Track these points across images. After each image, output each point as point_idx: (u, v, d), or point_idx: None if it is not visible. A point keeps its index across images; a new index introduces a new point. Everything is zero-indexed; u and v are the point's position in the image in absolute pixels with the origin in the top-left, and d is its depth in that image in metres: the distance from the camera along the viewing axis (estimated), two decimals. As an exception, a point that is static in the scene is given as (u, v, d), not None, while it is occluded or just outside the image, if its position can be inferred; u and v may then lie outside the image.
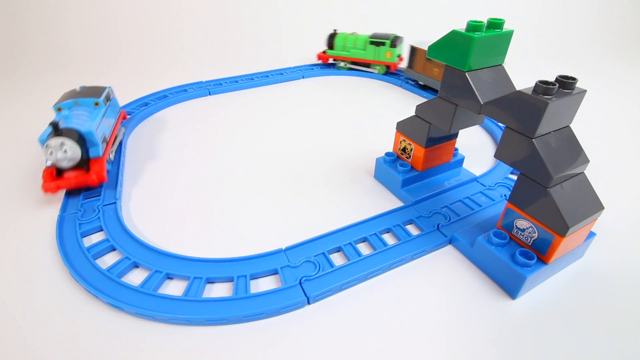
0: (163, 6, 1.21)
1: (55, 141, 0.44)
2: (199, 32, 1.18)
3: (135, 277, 0.39)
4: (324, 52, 0.97)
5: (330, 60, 0.99)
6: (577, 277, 0.39)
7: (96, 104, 0.55)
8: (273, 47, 1.15)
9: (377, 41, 0.88)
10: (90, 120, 0.51)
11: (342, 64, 0.95)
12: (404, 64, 0.92)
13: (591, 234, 0.39)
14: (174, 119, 0.73)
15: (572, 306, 0.36)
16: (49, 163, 0.47)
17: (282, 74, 0.94)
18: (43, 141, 0.45)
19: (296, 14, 1.27)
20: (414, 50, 0.83)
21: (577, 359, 0.31)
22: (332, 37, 0.94)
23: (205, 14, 1.23)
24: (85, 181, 0.48)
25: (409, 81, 0.88)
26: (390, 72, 0.93)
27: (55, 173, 0.47)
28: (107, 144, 0.54)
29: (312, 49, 1.12)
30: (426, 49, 0.73)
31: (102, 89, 0.59)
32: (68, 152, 0.45)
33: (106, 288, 0.36)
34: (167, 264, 0.39)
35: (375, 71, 0.93)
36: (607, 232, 0.44)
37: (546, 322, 0.34)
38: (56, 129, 0.46)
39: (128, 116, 0.70)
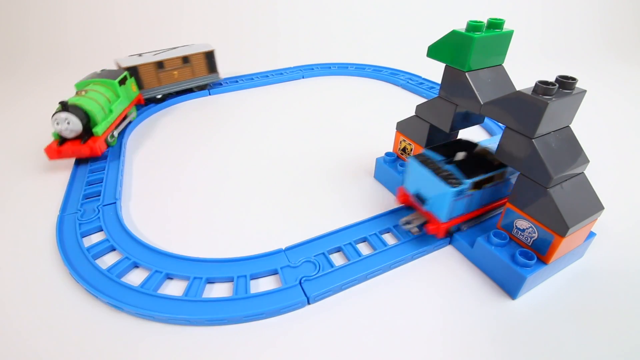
0: (163, 6, 1.21)
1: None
2: (198, 32, 1.18)
3: (135, 277, 0.39)
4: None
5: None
6: (577, 277, 0.39)
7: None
8: (273, 47, 1.15)
9: (122, 78, 0.66)
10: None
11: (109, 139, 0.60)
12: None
13: (591, 234, 0.39)
14: (174, 119, 0.73)
15: (572, 306, 0.36)
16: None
17: (282, 74, 0.94)
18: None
19: (296, 14, 1.27)
20: (134, 70, 0.71)
21: (577, 359, 0.31)
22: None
23: (205, 14, 1.23)
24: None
25: (148, 102, 0.77)
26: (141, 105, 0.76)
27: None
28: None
29: (312, 49, 1.12)
30: (147, 61, 0.72)
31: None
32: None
33: (106, 288, 0.36)
34: (167, 264, 0.39)
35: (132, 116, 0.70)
36: (607, 232, 0.44)
37: (546, 322, 0.34)
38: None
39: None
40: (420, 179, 0.40)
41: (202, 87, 0.83)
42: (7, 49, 1.07)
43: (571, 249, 0.37)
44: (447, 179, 0.37)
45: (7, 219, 0.47)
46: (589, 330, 0.34)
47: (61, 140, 0.55)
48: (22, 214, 0.48)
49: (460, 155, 0.40)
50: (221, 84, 0.87)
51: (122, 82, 0.65)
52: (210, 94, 0.84)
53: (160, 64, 0.75)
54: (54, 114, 0.53)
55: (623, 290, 0.37)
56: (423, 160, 0.40)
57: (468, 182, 0.37)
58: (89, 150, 0.55)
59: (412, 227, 0.42)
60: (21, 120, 0.73)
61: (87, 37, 1.12)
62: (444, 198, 0.37)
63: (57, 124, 0.53)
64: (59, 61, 1.04)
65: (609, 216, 0.46)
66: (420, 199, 0.40)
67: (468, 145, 0.42)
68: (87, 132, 0.56)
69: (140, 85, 0.73)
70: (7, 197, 0.51)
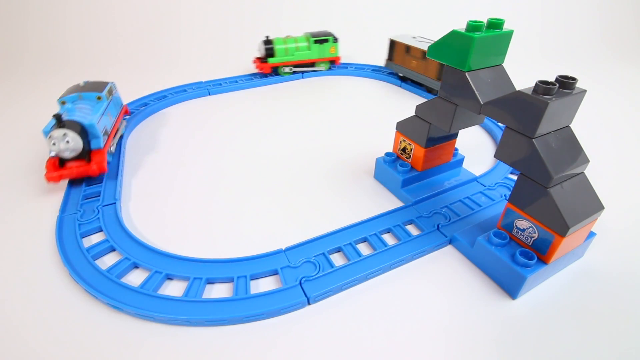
0: (163, 6, 1.21)
1: (58, 132, 0.47)
2: (198, 32, 1.18)
3: (135, 278, 0.39)
4: (263, 60, 0.91)
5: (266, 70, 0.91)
6: (577, 277, 0.39)
7: (98, 97, 0.57)
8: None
9: (321, 39, 0.90)
10: (92, 113, 0.53)
11: (286, 70, 0.92)
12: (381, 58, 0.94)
13: (591, 234, 0.39)
14: (173, 119, 0.73)
15: (572, 306, 0.36)
16: (52, 153, 0.48)
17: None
18: (47, 132, 0.48)
19: (296, 14, 1.27)
20: (393, 44, 0.86)
21: (577, 359, 0.31)
22: (269, 44, 0.88)
23: (205, 14, 1.23)
24: (86, 171, 0.50)
25: (391, 74, 0.92)
26: (333, 67, 0.97)
27: (58, 163, 0.49)
28: (109, 136, 0.56)
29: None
30: (404, 42, 0.83)
31: (105, 84, 0.61)
32: (70, 142, 0.47)
33: (106, 289, 0.36)
34: (167, 264, 0.39)
35: (322, 68, 0.94)
36: (607, 232, 0.44)
37: (546, 322, 0.34)
38: (59, 121, 0.48)
39: (130, 112, 0.73)
40: None
41: (430, 90, 0.82)
42: (7, 49, 1.07)
43: (571, 249, 0.37)
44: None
45: (7, 219, 0.47)
46: (589, 330, 0.34)
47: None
48: (22, 215, 0.47)
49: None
50: (221, 84, 0.87)
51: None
52: (210, 94, 0.84)
53: (407, 48, 0.82)
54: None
55: (623, 290, 0.37)
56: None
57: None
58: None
59: None
60: (21, 119, 0.73)
61: (87, 37, 1.12)
62: None
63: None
64: (59, 61, 1.04)
65: (609, 216, 0.46)
66: None
67: None
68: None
69: (391, 58, 0.88)
70: (6, 197, 0.51)
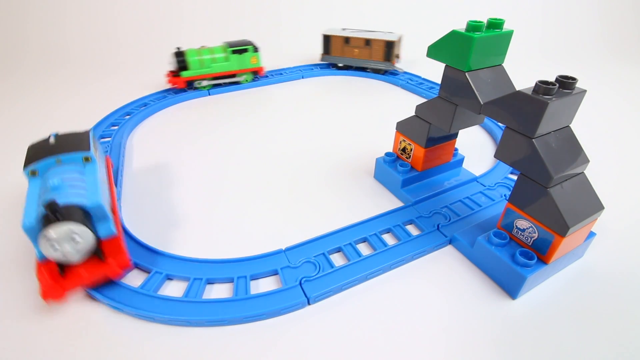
0: (163, 6, 1.21)
1: (60, 230, 0.31)
2: (198, 32, 1.18)
3: (135, 279, 0.39)
4: (175, 74, 0.80)
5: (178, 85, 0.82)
6: (577, 277, 0.39)
7: (86, 159, 0.40)
8: (272, 47, 1.15)
9: (239, 49, 0.83)
10: (89, 186, 0.37)
11: (204, 83, 0.83)
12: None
13: (591, 234, 0.39)
14: (173, 119, 0.73)
15: (572, 306, 0.36)
16: (53, 257, 0.33)
17: (281, 74, 0.94)
18: (31, 229, 0.32)
19: (296, 14, 1.27)
20: (327, 38, 0.93)
21: (577, 359, 0.31)
22: (180, 56, 0.79)
23: (204, 13, 1.23)
24: (105, 274, 0.35)
25: (330, 66, 0.98)
26: (257, 78, 0.90)
27: (58, 270, 0.34)
28: (114, 211, 0.41)
29: (311, 49, 1.12)
30: (343, 34, 0.91)
31: (84, 135, 0.43)
32: (80, 242, 0.33)
33: (106, 289, 0.36)
34: (166, 265, 0.39)
35: (243, 80, 0.87)
36: (607, 232, 0.44)
37: (546, 322, 0.34)
38: (53, 211, 0.32)
39: (113, 165, 0.55)
40: None
41: (376, 71, 0.93)
42: (7, 49, 1.07)
43: (571, 249, 0.37)
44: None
45: (7, 219, 0.47)
46: (588, 330, 0.33)
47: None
48: (22, 215, 0.47)
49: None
50: (221, 84, 0.87)
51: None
52: (210, 94, 0.84)
53: (347, 40, 0.91)
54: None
55: (623, 290, 0.37)
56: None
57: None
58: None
59: None
60: (21, 119, 0.73)
61: (87, 37, 1.12)
62: None
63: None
64: (59, 61, 1.04)
65: (609, 216, 0.46)
66: None
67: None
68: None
69: (327, 51, 0.94)
70: (6, 196, 0.51)
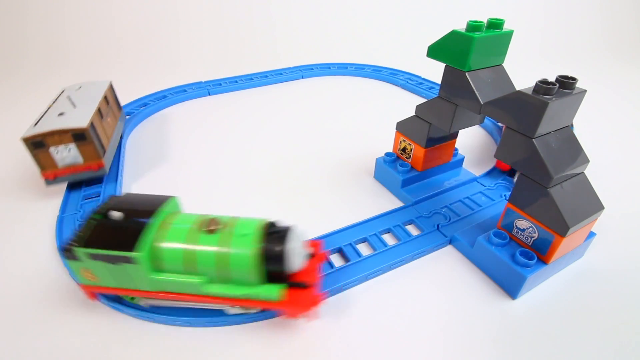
0: (163, 6, 1.21)
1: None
2: (198, 32, 1.18)
3: (135, 278, 0.38)
4: None
5: None
6: (577, 277, 0.39)
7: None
8: (272, 47, 1.15)
9: None
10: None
11: None
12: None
13: (591, 234, 0.39)
14: (173, 119, 0.73)
15: (572, 306, 0.36)
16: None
17: (281, 74, 0.94)
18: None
19: (296, 14, 1.27)
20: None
21: (577, 359, 0.31)
22: None
23: (204, 14, 1.22)
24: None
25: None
26: None
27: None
28: None
29: (311, 49, 1.12)
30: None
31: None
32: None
33: (106, 289, 0.36)
34: (167, 264, 0.39)
35: None
36: (607, 232, 0.44)
37: (546, 322, 0.34)
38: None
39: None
40: None
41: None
42: (7, 49, 1.07)
43: (571, 249, 0.37)
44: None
45: (7, 220, 0.47)
46: (588, 330, 0.33)
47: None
48: (22, 215, 0.47)
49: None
50: (220, 84, 0.87)
51: None
52: (209, 94, 0.84)
53: (100, 114, 0.54)
54: (287, 247, 0.30)
55: (623, 290, 0.37)
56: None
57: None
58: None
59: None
60: (21, 120, 0.73)
61: (87, 37, 1.12)
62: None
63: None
64: (59, 61, 1.04)
65: (609, 216, 0.46)
66: None
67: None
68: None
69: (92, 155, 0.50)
70: (7, 198, 0.51)
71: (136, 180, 0.54)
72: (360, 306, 0.36)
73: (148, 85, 0.88)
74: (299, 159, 0.59)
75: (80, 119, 0.48)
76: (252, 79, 0.91)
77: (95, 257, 0.30)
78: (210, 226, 0.31)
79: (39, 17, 1.13)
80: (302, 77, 0.94)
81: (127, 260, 0.30)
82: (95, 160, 0.49)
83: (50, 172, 0.48)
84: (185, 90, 0.83)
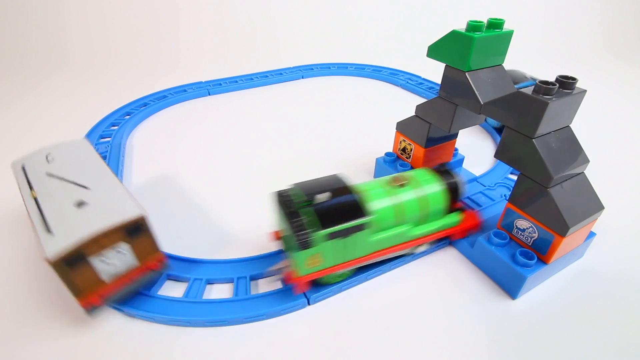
0: (163, 6, 1.21)
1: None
2: (198, 32, 1.18)
3: (135, 278, 0.39)
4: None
5: None
6: (577, 277, 0.39)
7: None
8: (272, 47, 1.15)
9: None
10: None
11: None
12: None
13: (591, 234, 0.39)
14: (173, 119, 0.73)
15: (572, 306, 0.36)
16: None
17: (281, 74, 0.94)
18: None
19: (296, 14, 1.27)
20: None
21: (577, 359, 0.31)
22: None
23: (204, 14, 1.22)
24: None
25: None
26: None
27: None
28: None
29: (311, 49, 1.12)
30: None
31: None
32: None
33: (106, 289, 0.36)
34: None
35: None
36: (607, 232, 0.44)
37: (546, 322, 0.34)
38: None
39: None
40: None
41: None
42: (7, 49, 1.07)
43: (571, 249, 0.37)
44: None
45: (7, 219, 0.47)
46: (589, 330, 0.34)
47: None
48: (22, 215, 0.47)
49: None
50: (220, 84, 0.87)
51: None
52: (209, 94, 0.84)
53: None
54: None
55: (623, 290, 0.37)
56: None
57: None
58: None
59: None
60: (22, 119, 0.73)
61: (87, 37, 1.12)
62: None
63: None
64: (59, 61, 1.04)
65: (609, 216, 0.46)
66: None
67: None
68: None
69: None
70: (7, 197, 0.51)
71: (136, 180, 0.54)
72: (360, 306, 0.36)
73: (148, 85, 0.88)
74: (299, 158, 0.59)
75: (122, 205, 0.33)
76: (252, 79, 0.91)
77: (333, 235, 0.32)
78: (400, 182, 0.37)
79: (39, 17, 1.13)
80: (302, 77, 0.94)
81: (360, 228, 0.33)
82: (152, 254, 0.35)
83: (94, 295, 0.32)
84: (185, 90, 0.83)
